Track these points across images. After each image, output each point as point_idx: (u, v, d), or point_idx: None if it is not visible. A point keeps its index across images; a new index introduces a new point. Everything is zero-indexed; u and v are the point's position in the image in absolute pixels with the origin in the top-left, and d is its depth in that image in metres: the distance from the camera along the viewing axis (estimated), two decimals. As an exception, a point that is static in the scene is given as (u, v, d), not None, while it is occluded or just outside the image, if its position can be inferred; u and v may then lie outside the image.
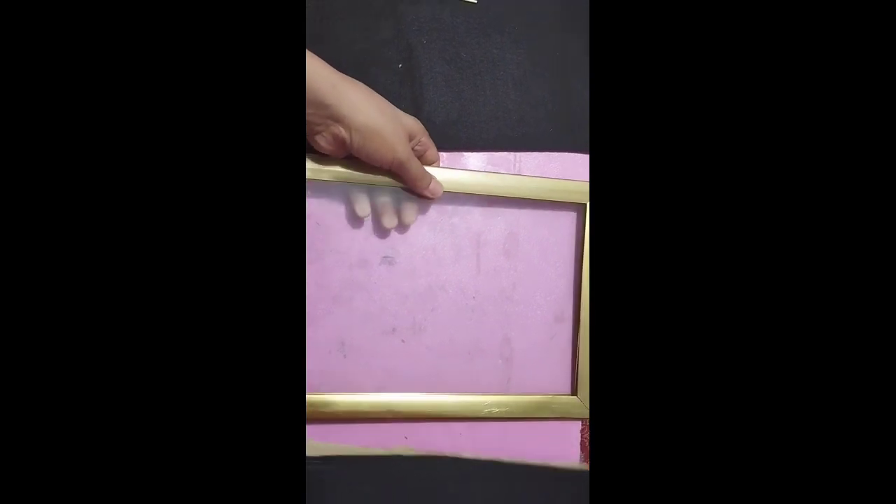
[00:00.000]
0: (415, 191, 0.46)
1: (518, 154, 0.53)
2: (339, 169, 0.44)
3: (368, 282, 0.48)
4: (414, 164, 0.44)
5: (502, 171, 0.52)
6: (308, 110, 0.39)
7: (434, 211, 0.50)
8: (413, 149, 0.45)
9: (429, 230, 0.50)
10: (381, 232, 0.48)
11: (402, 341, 0.49)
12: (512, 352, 0.52)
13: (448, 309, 0.50)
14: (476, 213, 0.51)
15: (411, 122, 0.45)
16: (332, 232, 0.48)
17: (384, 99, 0.42)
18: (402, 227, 0.49)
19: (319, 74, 0.39)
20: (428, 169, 0.46)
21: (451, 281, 0.50)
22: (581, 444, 0.56)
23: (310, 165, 0.44)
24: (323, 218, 0.48)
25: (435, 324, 0.50)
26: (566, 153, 0.54)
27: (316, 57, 0.39)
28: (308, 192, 0.46)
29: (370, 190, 0.47)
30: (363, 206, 0.47)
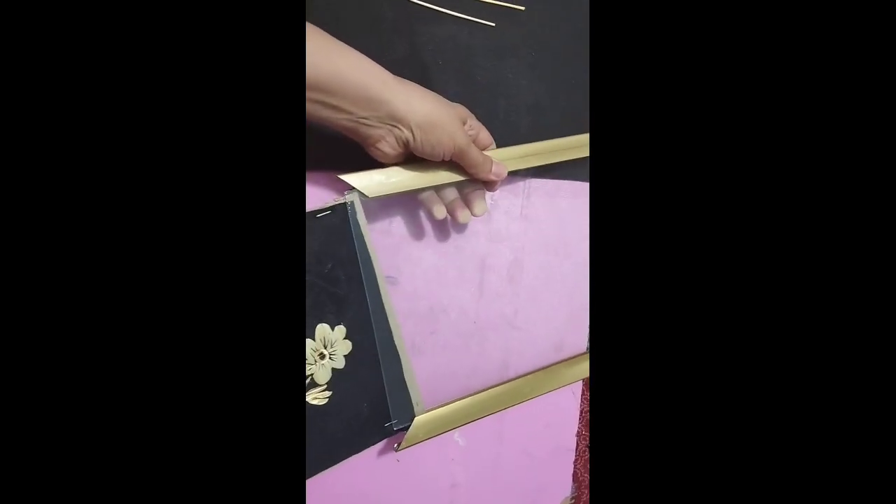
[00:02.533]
0: (479, 177, 0.44)
1: (528, 181, 0.52)
2: (398, 179, 0.42)
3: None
4: (473, 149, 0.42)
5: (509, 196, 0.51)
6: (364, 113, 0.37)
7: (440, 232, 0.49)
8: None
9: (433, 252, 0.49)
10: (386, 252, 0.48)
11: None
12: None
13: (448, 332, 0.50)
14: (482, 237, 0.51)
15: (460, 108, 0.43)
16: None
17: (428, 90, 0.41)
18: (476, 219, 0.47)
19: (369, 72, 0.37)
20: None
21: (453, 304, 0.50)
22: (574, 475, 0.55)
23: (368, 182, 0.42)
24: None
25: (434, 346, 0.49)
26: (576, 181, 0.54)
27: (364, 56, 0.37)
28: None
29: (436, 190, 0.45)
30: (440, 209, 0.45)
